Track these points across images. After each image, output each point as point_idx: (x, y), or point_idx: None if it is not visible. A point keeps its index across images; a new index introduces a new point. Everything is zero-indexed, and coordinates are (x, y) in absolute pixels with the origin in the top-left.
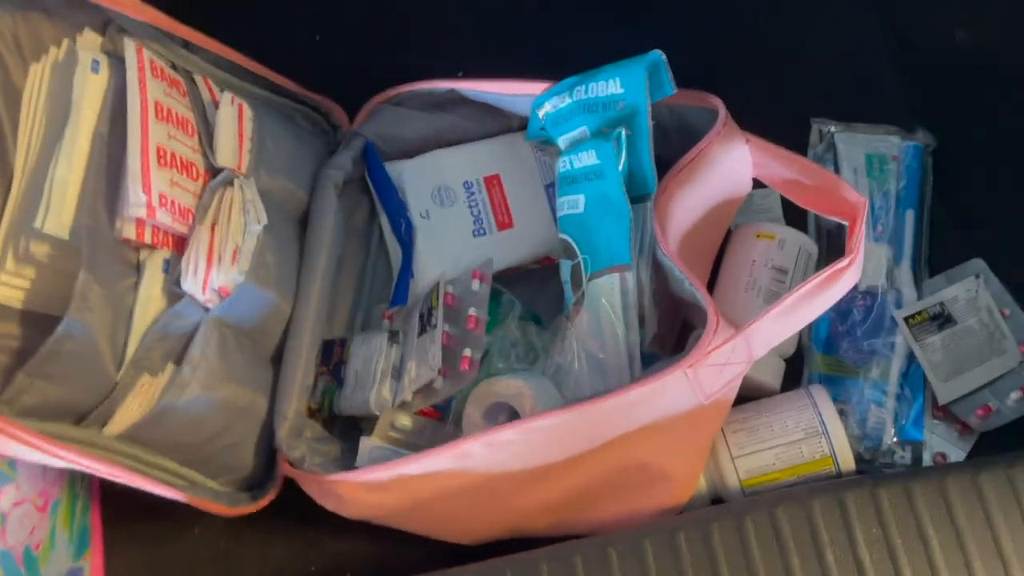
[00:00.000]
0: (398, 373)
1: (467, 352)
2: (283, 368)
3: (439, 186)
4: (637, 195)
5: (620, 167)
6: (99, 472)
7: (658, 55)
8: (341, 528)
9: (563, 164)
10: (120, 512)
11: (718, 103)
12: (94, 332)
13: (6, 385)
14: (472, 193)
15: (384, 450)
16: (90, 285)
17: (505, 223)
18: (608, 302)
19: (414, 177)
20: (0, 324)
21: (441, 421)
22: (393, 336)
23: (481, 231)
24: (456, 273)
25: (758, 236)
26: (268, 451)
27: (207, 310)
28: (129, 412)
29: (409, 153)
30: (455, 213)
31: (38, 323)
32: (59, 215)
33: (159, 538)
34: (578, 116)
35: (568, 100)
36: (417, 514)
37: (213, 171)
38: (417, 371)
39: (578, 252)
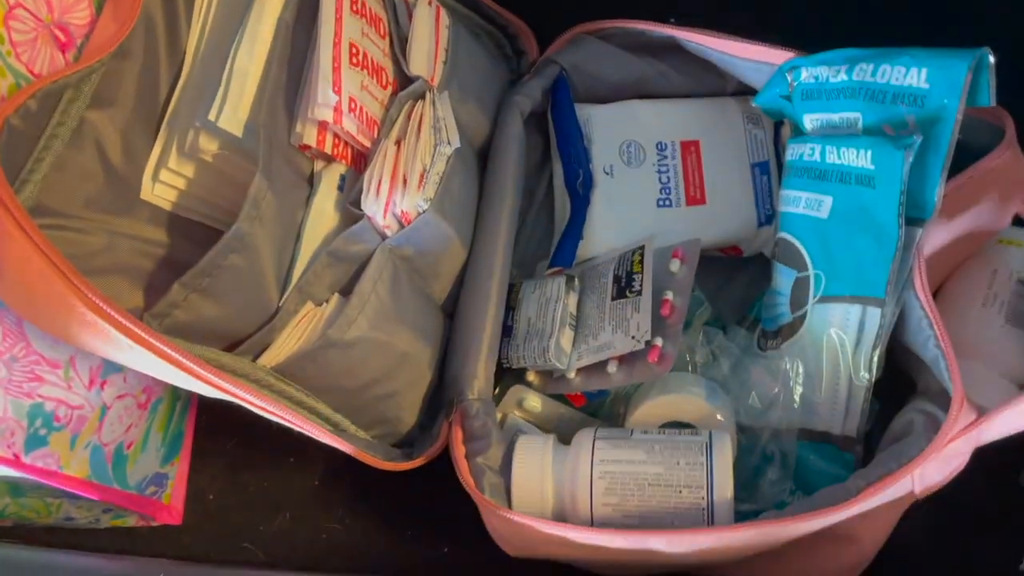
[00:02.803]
0: (575, 323)
1: (658, 341)
2: (467, 318)
3: (629, 141)
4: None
5: (902, 184)
6: (252, 405)
7: (986, 54)
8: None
9: (808, 151)
10: (214, 425)
11: (1008, 121)
12: (261, 246)
13: (154, 298)
14: (664, 156)
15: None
16: (264, 192)
17: (696, 198)
18: (838, 335)
19: (603, 126)
20: (150, 228)
21: (582, 411)
22: (570, 282)
23: (667, 201)
24: (633, 244)
25: (1000, 241)
26: (426, 409)
27: (383, 238)
28: (287, 344)
29: (601, 97)
30: (641, 175)
31: (187, 231)
32: (236, 110)
33: (249, 460)
34: (852, 100)
35: (843, 76)
36: (571, 556)
37: (402, 81)
38: (612, 337)
39: (809, 264)
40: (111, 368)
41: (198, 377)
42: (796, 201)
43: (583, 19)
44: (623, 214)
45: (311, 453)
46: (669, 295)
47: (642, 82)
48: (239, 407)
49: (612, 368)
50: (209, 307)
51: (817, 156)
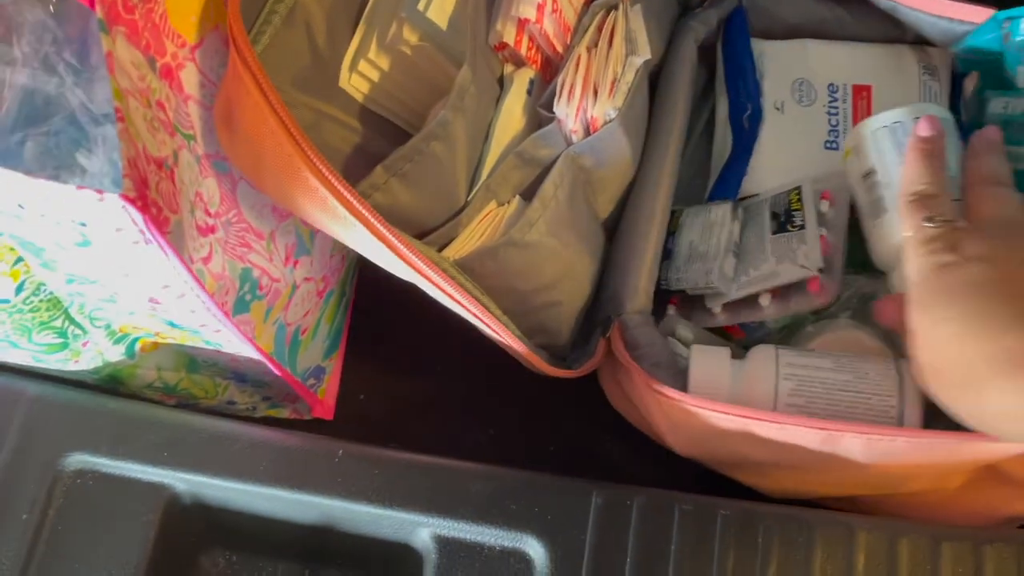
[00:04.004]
0: (738, 252)
1: (818, 273)
2: (630, 236)
3: (801, 80)
4: None
5: None
6: (443, 292)
7: None
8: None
9: None
10: (367, 327)
11: None
12: (460, 138)
13: (351, 182)
14: (835, 99)
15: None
16: (468, 83)
17: None
18: None
19: (777, 62)
20: (346, 115)
21: (738, 345)
22: (735, 210)
23: (834, 144)
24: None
25: None
26: (582, 325)
27: (568, 144)
28: (471, 239)
29: (774, 36)
30: (811, 115)
31: (377, 124)
32: (442, 3)
33: (400, 364)
34: None
35: None
36: (729, 459)
37: None
38: (778, 267)
39: None
40: (302, 249)
41: (402, 256)
42: (1015, 157)
43: None
44: (791, 152)
45: (458, 362)
46: (823, 231)
47: (819, 25)
48: (393, 310)
49: (765, 301)
50: (406, 193)
51: None
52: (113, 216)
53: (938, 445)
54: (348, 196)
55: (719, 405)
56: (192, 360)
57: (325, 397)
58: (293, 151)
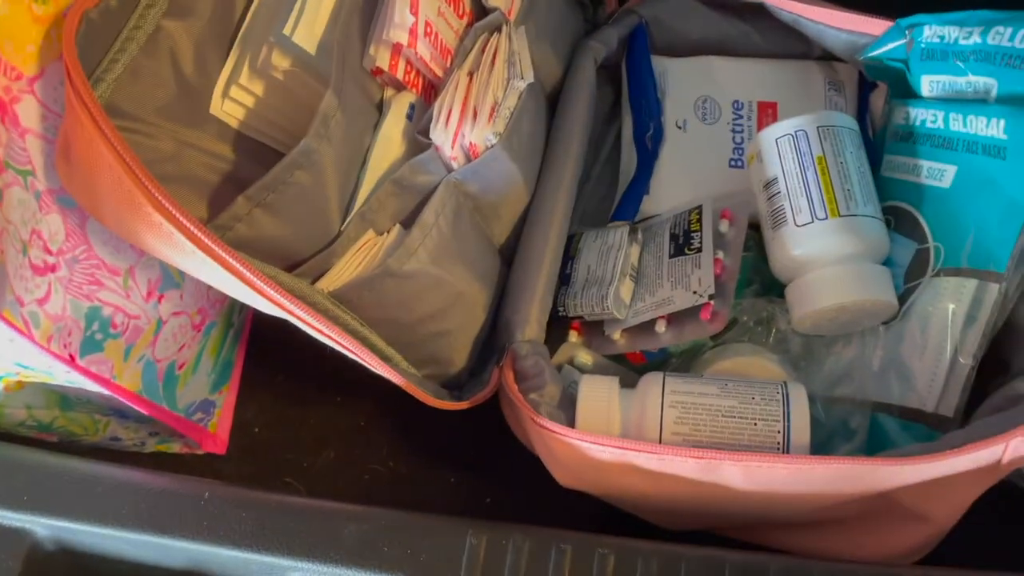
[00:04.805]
0: (636, 275)
1: (711, 300)
2: (524, 263)
3: (705, 97)
4: None
5: None
6: (308, 326)
7: None
8: (499, 457)
9: (931, 117)
10: (264, 358)
11: None
12: (327, 166)
13: (218, 211)
14: (740, 116)
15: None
16: (334, 110)
17: None
18: (950, 309)
19: (679, 79)
20: (217, 143)
21: (638, 369)
22: (633, 233)
23: (738, 162)
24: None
25: None
26: (478, 354)
27: (449, 171)
28: (346, 270)
29: (678, 54)
30: (715, 133)
31: (253, 151)
32: (311, 27)
33: (297, 396)
34: (985, 64)
35: (976, 39)
36: (614, 492)
37: (478, 12)
38: (672, 293)
39: (929, 236)
40: (169, 283)
41: (258, 291)
42: (916, 169)
43: None
44: (693, 171)
45: (359, 392)
46: (720, 255)
47: (724, 42)
48: (289, 341)
49: (661, 328)
50: (271, 224)
51: (940, 123)
52: None
53: (819, 472)
54: (193, 229)
55: (595, 437)
56: (64, 398)
57: (218, 431)
58: (132, 185)
